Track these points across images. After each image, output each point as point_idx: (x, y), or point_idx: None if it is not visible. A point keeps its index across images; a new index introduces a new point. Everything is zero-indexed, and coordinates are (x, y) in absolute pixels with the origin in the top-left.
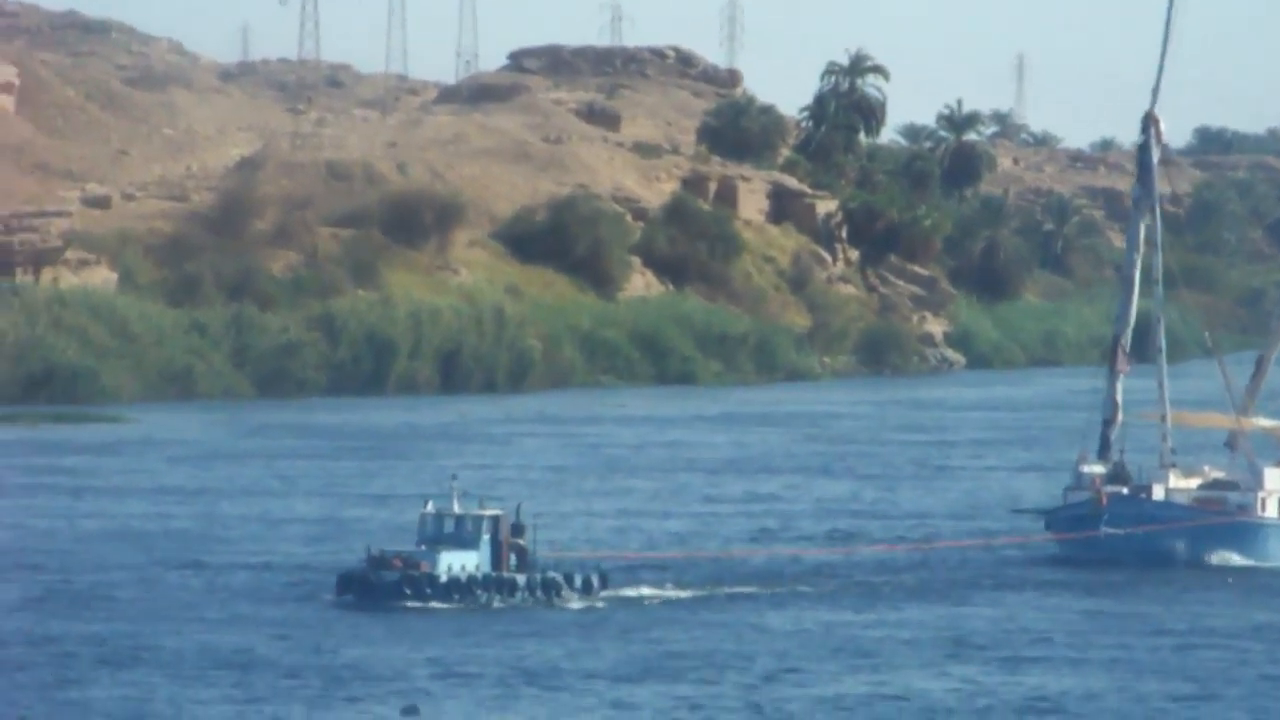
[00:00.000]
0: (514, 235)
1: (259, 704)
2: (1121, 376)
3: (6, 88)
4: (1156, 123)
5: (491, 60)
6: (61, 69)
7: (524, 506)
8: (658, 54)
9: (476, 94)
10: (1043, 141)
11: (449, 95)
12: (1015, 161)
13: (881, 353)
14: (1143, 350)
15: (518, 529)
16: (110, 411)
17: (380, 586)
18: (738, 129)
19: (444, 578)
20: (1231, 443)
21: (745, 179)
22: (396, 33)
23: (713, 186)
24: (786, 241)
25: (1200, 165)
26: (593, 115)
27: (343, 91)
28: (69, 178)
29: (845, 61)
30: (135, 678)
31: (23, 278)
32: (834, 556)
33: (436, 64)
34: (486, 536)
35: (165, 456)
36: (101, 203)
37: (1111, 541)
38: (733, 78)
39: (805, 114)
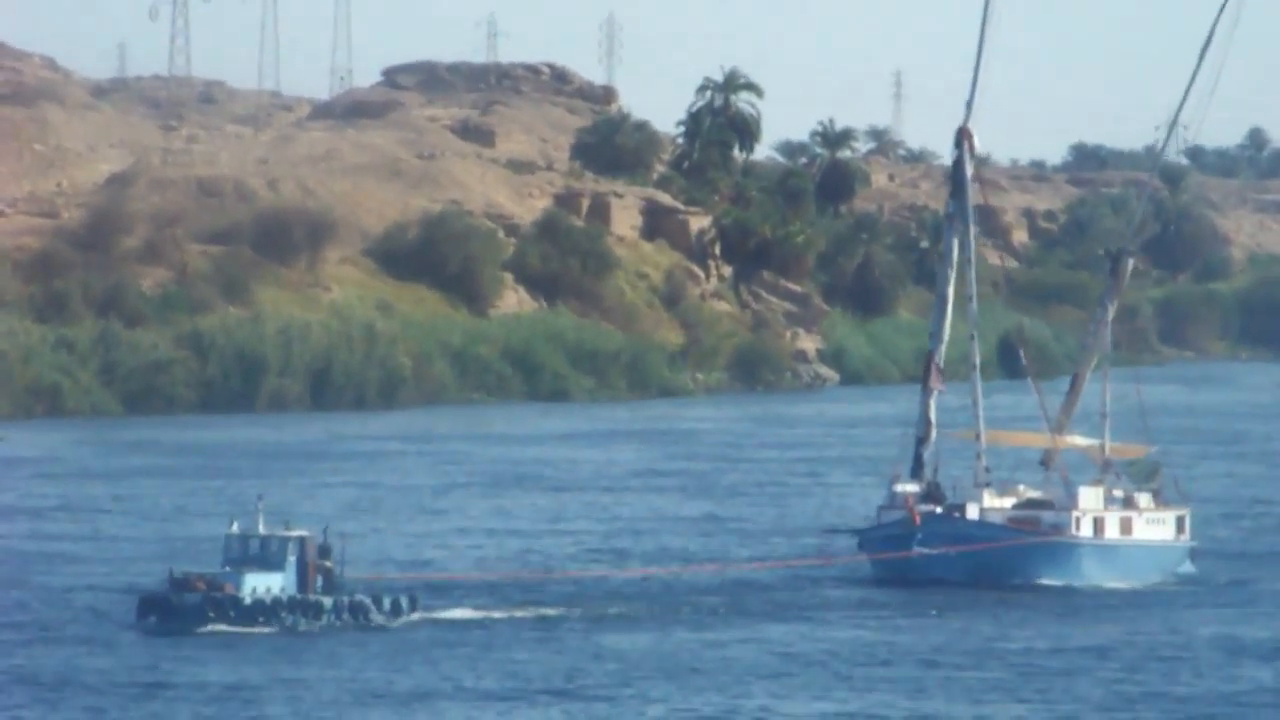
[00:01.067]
0: (386, 252)
1: None
2: (935, 393)
3: None
4: (970, 137)
5: (366, 76)
6: None
7: (331, 527)
8: (533, 70)
9: (350, 110)
10: (919, 158)
11: (323, 111)
12: (891, 178)
13: (754, 369)
14: (1017, 367)
15: (324, 550)
16: None
17: (182, 609)
18: (612, 145)
19: (248, 600)
20: (1046, 461)
21: (618, 195)
22: (270, 49)
23: (586, 203)
24: (660, 258)
25: (1075, 182)
26: (467, 132)
27: (216, 107)
28: None
29: (719, 78)
30: None
31: None
32: (652, 576)
33: (311, 80)
34: (293, 558)
35: (17, 475)
36: None
37: (925, 561)
38: (608, 94)
39: (680, 130)
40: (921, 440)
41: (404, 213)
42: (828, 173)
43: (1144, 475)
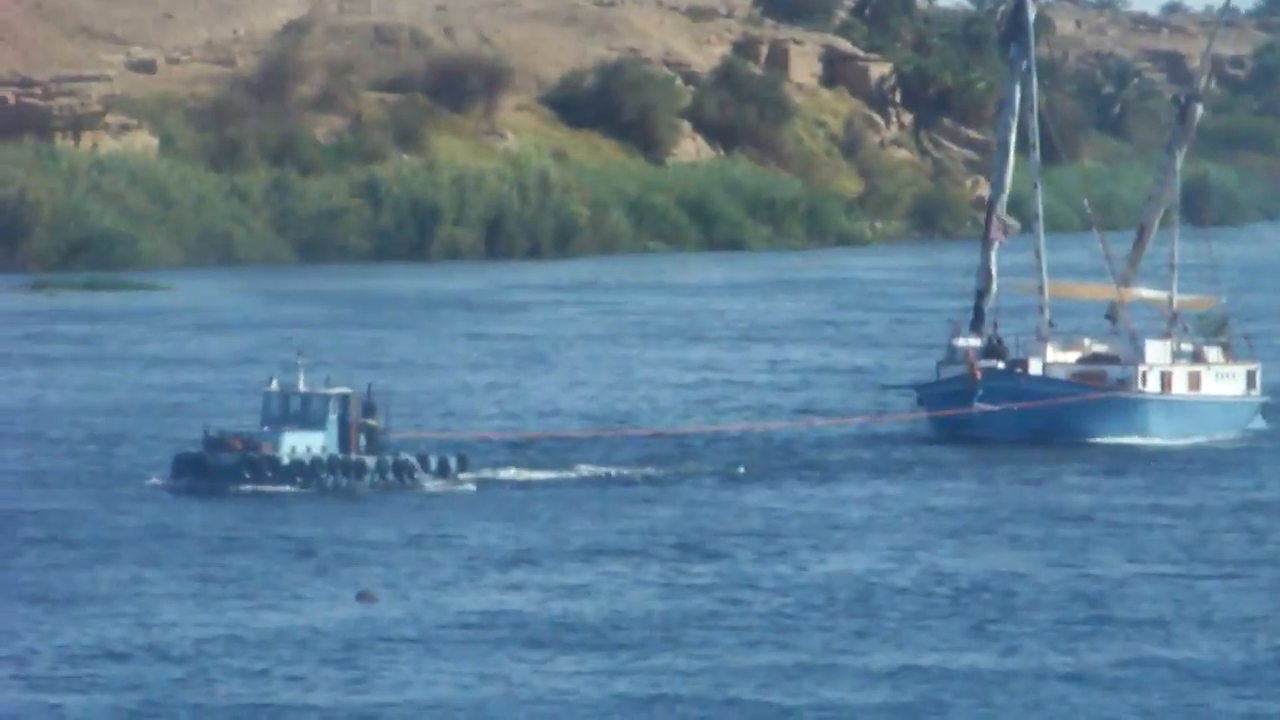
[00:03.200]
0: (562, 100)
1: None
2: (996, 245)
3: None
4: None
5: None
6: None
7: (375, 384)
8: None
9: None
10: (1108, 4)
11: None
12: (1078, 25)
13: (934, 217)
14: (1199, 215)
15: (369, 408)
16: (146, 279)
17: (218, 469)
18: None
19: (286, 460)
20: (1112, 315)
21: (797, 42)
22: None
23: (764, 50)
24: (839, 106)
25: (1265, 27)
26: None
27: None
28: (113, 41)
29: None
30: None
31: (62, 143)
32: (705, 435)
33: None
34: (334, 416)
35: (176, 323)
36: (146, 67)
37: (986, 418)
38: None
39: None
40: (982, 293)
41: (580, 60)
42: (1010, 19)
43: (1213, 328)
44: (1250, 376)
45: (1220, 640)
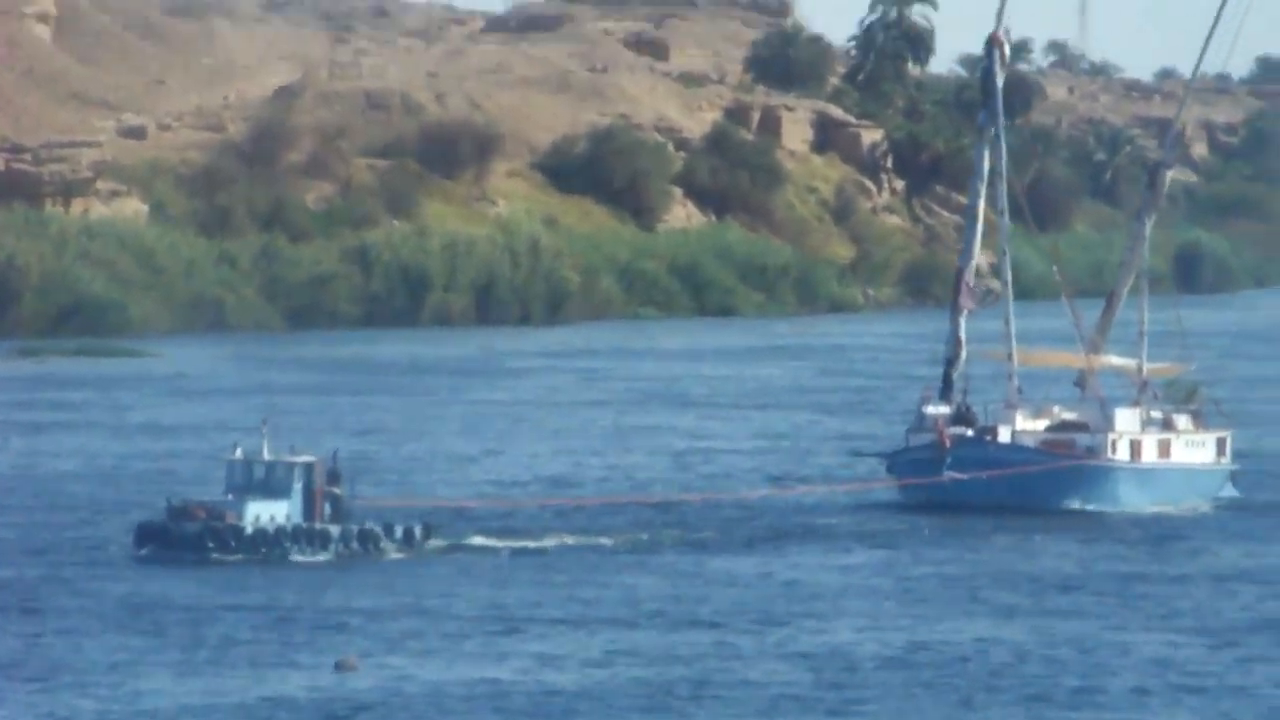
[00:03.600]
0: (553, 166)
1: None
2: (966, 313)
3: (43, 17)
4: (1000, 45)
5: None
6: None
7: (339, 451)
8: None
9: (524, 24)
10: (1101, 71)
11: (496, 25)
12: (1070, 91)
13: (925, 284)
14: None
15: (334, 476)
16: (135, 345)
17: (181, 538)
18: (785, 58)
19: (250, 529)
20: (1081, 382)
21: (789, 108)
22: None
23: (756, 116)
24: (831, 172)
25: (1258, 94)
26: (640, 45)
27: (389, 21)
28: (105, 107)
29: None
30: None
31: (52, 208)
32: (681, 502)
33: None
34: (298, 485)
35: (162, 390)
36: (137, 133)
37: (955, 486)
38: (783, 7)
39: (853, 43)
40: (951, 361)
41: (572, 126)
42: (1004, 86)
43: (1183, 395)
44: (1220, 444)
45: (1200, 709)
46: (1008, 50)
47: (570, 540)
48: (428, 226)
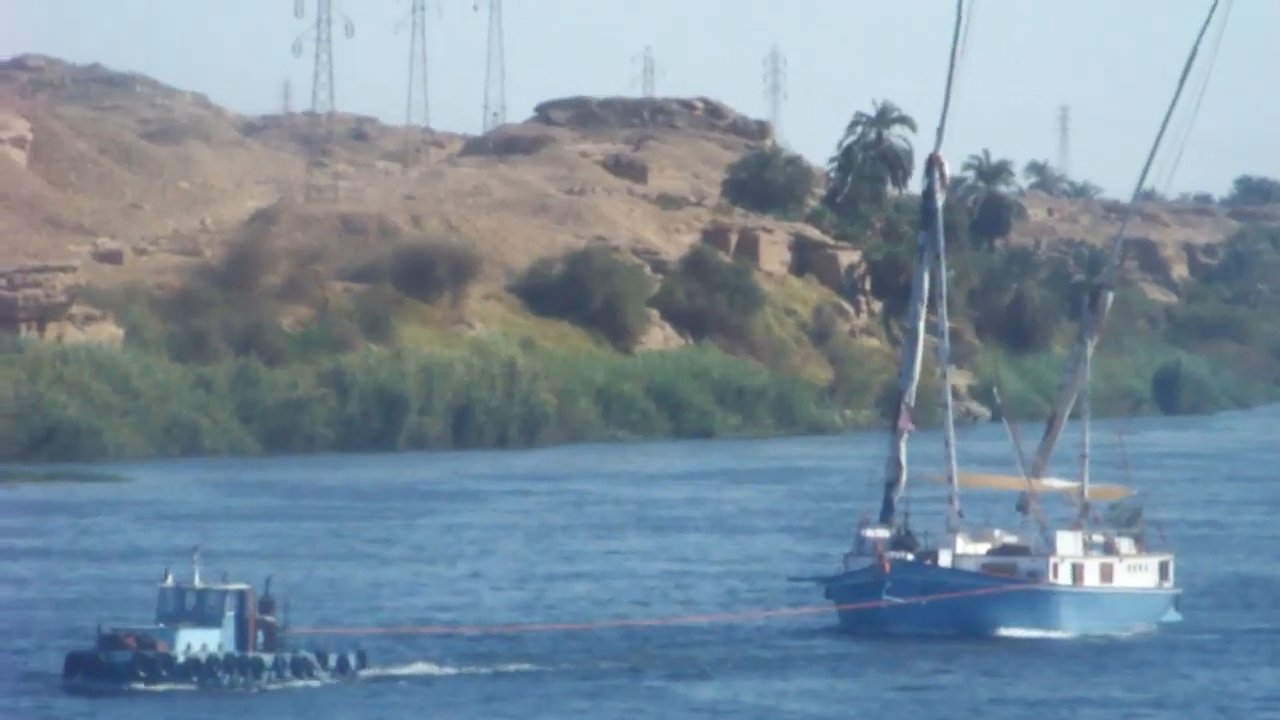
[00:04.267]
0: (530, 288)
1: None
2: (906, 435)
3: (18, 142)
4: (940, 165)
5: (519, 112)
6: (78, 123)
7: (273, 578)
8: (686, 105)
9: (502, 146)
10: (1082, 192)
11: (475, 147)
12: (1050, 212)
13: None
14: (1173, 403)
15: (266, 604)
16: (109, 470)
17: (111, 667)
18: (763, 180)
19: (181, 658)
20: (1022, 506)
21: (767, 230)
22: (419, 87)
23: (734, 238)
24: (809, 293)
25: (1238, 215)
26: (619, 167)
27: (367, 144)
28: (80, 232)
29: (872, 112)
30: None
31: (27, 333)
32: (618, 630)
33: (464, 116)
34: (231, 613)
35: (130, 516)
36: (113, 257)
37: (895, 611)
38: (762, 129)
39: (833, 165)
40: (891, 484)
41: (549, 249)
42: (983, 207)
43: (1125, 519)
44: (1163, 568)
45: None
46: (948, 171)
47: (516, 666)
48: (404, 349)
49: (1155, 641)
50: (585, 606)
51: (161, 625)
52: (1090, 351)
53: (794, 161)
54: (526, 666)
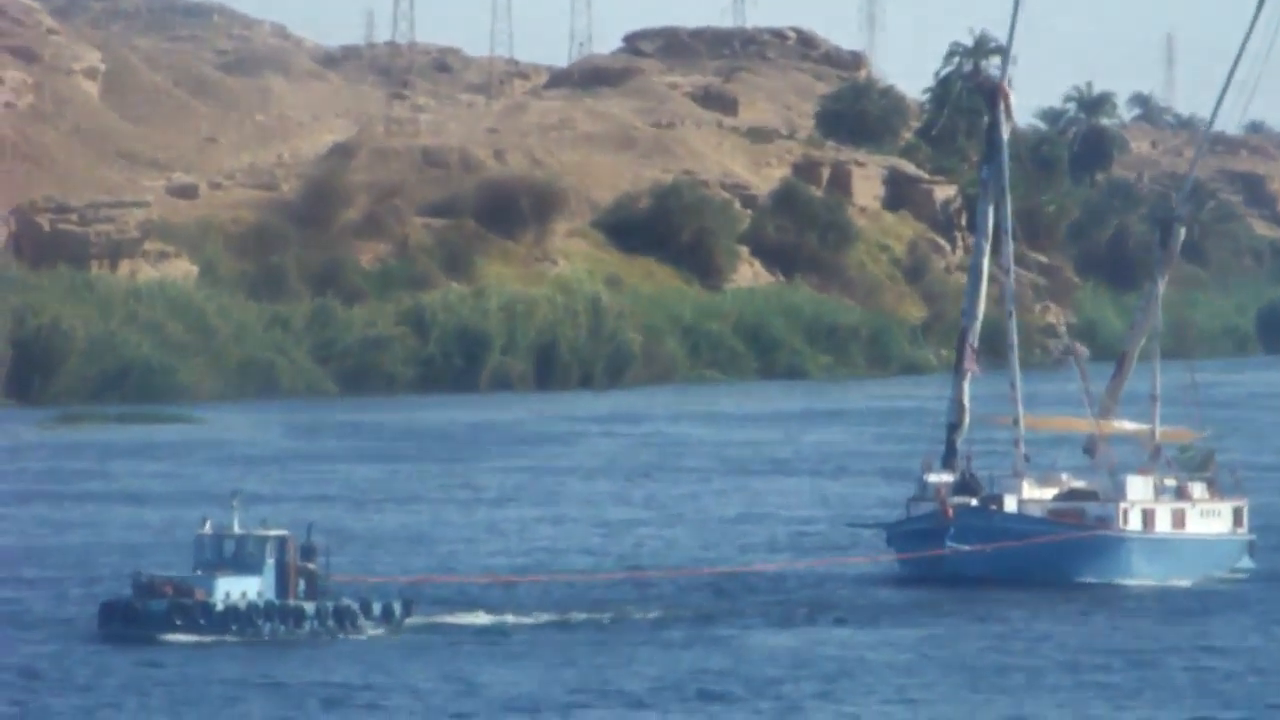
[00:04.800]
0: (616, 224)
1: None
2: (970, 376)
3: (91, 74)
4: (1006, 97)
5: (606, 43)
6: (152, 54)
7: (314, 525)
8: (778, 35)
9: (588, 78)
10: (1187, 124)
11: (560, 79)
12: (1154, 145)
13: (1000, 344)
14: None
15: (308, 551)
16: (180, 411)
17: (147, 616)
18: (857, 113)
19: (220, 606)
20: (1090, 449)
21: (860, 164)
22: (503, 17)
23: (826, 172)
24: (903, 229)
25: None
26: (709, 99)
27: (449, 76)
28: (154, 166)
29: (969, 43)
30: None
31: (98, 270)
32: (673, 580)
33: (550, 48)
34: (271, 560)
35: (198, 459)
36: (187, 192)
37: (958, 559)
38: (856, 60)
39: (928, 97)
40: (954, 427)
41: (635, 184)
42: (1084, 140)
43: (1197, 463)
44: (1237, 513)
45: None
46: (1013, 101)
47: (567, 616)
48: (486, 287)
49: (1223, 590)
50: (651, 552)
51: (199, 572)
52: (1162, 289)
53: (888, 93)
54: (582, 615)
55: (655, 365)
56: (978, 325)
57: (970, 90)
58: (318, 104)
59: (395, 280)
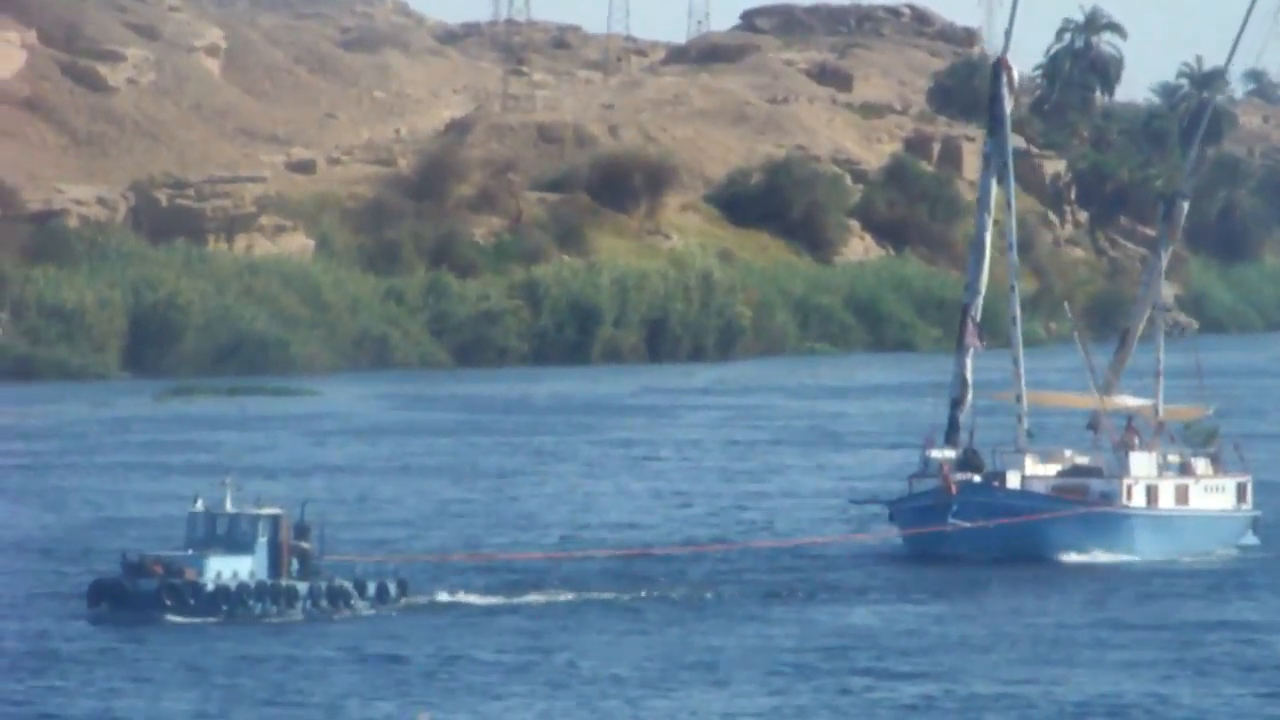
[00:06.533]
0: (728, 199)
1: None
2: (972, 352)
3: (213, 50)
4: (1009, 70)
5: (724, 20)
6: (273, 31)
7: (309, 504)
8: (893, 12)
9: (706, 55)
10: None
11: (677, 56)
12: (1265, 120)
13: (1109, 318)
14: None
15: (301, 530)
16: (292, 384)
17: (136, 596)
18: (969, 88)
19: (211, 586)
20: (1094, 424)
21: (970, 139)
22: None
23: (936, 147)
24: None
25: None
26: (824, 75)
27: (567, 53)
28: (274, 142)
29: (1081, 18)
30: None
31: (215, 245)
32: (670, 556)
33: (667, 25)
34: (263, 539)
35: (306, 431)
36: (305, 167)
37: (961, 535)
38: (970, 36)
39: (1039, 72)
40: (956, 402)
41: (748, 158)
42: (1194, 115)
43: (1201, 439)
44: (1241, 489)
45: None
46: (1016, 76)
47: (573, 595)
48: (598, 261)
49: (1227, 566)
50: (720, 525)
51: (190, 552)
52: (1164, 263)
53: None
54: (569, 596)
55: (765, 338)
56: (979, 300)
57: (1082, 67)
58: (436, 80)
59: (509, 254)
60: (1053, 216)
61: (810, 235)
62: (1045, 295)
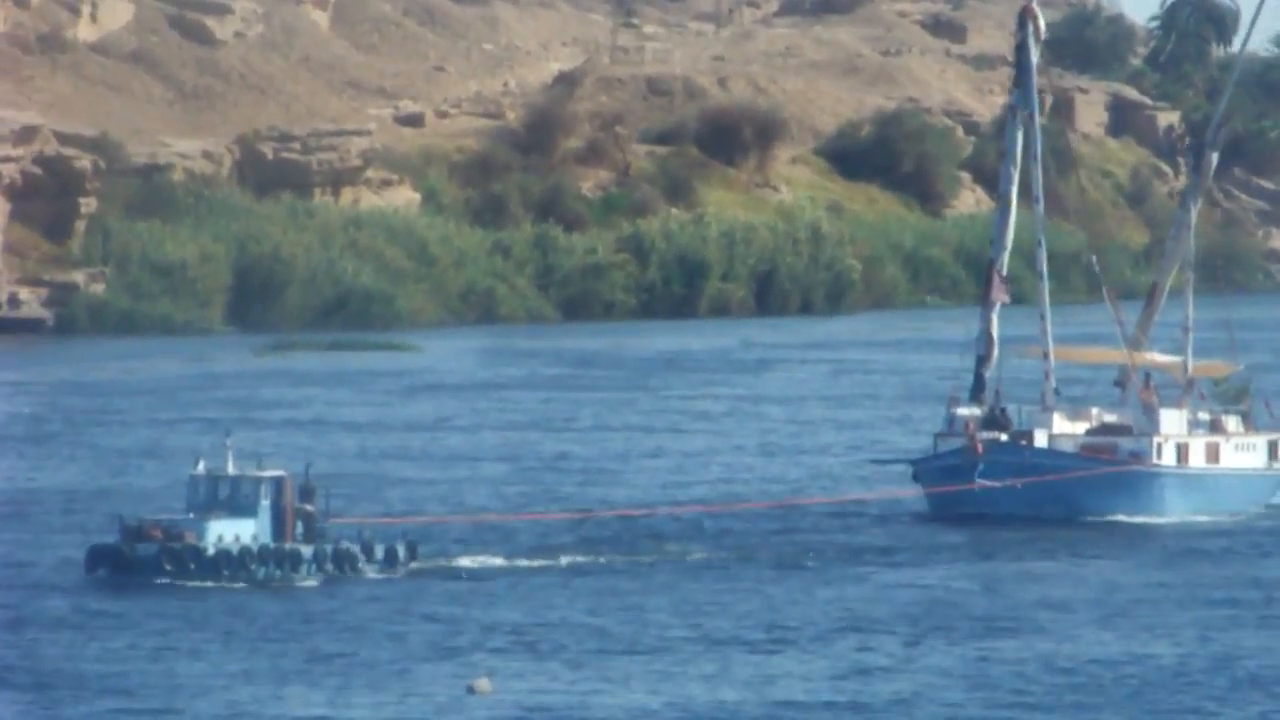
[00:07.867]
0: (838, 151)
1: None
2: (998, 307)
3: (320, 3)
4: (1035, 18)
5: None
6: None
7: (313, 465)
8: None
9: (819, 5)
10: None
11: (791, 7)
12: None
13: (1224, 270)
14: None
15: (306, 492)
16: (394, 338)
17: (135, 561)
18: (1084, 39)
19: (212, 550)
20: (1123, 381)
21: (1083, 91)
22: None
23: (1049, 99)
24: (1126, 155)
25: None
26: (938, 27)
27: (680, 5)
28: (382, 95)
29: None
30: None
31: (321, 198)
32: (688, 516)
33: None
34: (266, 502)
35: (404, 387)
36: (413, 120)
37: (987, 495)
38: None
39: (1155, 23)
40: (982, 359)
41: (858, 111)
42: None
43: (1232, 396)
44: (1272, 447)
45: None
46: (1043, 24)
47: (598, 558)
48: (706, 214)
49: (1259, 525)
50: (744, 486)
51: (191, 515)
52: (1194, 217)
53: (1116, 20)
54: (582, 558)
55: (875, 291)
56: (1006, 254)
57: (1198, 17)
58: (545, 33)
59: (616, 207)
60: (1166, 168)
61: (920, 188)
62: (1158, 248)
